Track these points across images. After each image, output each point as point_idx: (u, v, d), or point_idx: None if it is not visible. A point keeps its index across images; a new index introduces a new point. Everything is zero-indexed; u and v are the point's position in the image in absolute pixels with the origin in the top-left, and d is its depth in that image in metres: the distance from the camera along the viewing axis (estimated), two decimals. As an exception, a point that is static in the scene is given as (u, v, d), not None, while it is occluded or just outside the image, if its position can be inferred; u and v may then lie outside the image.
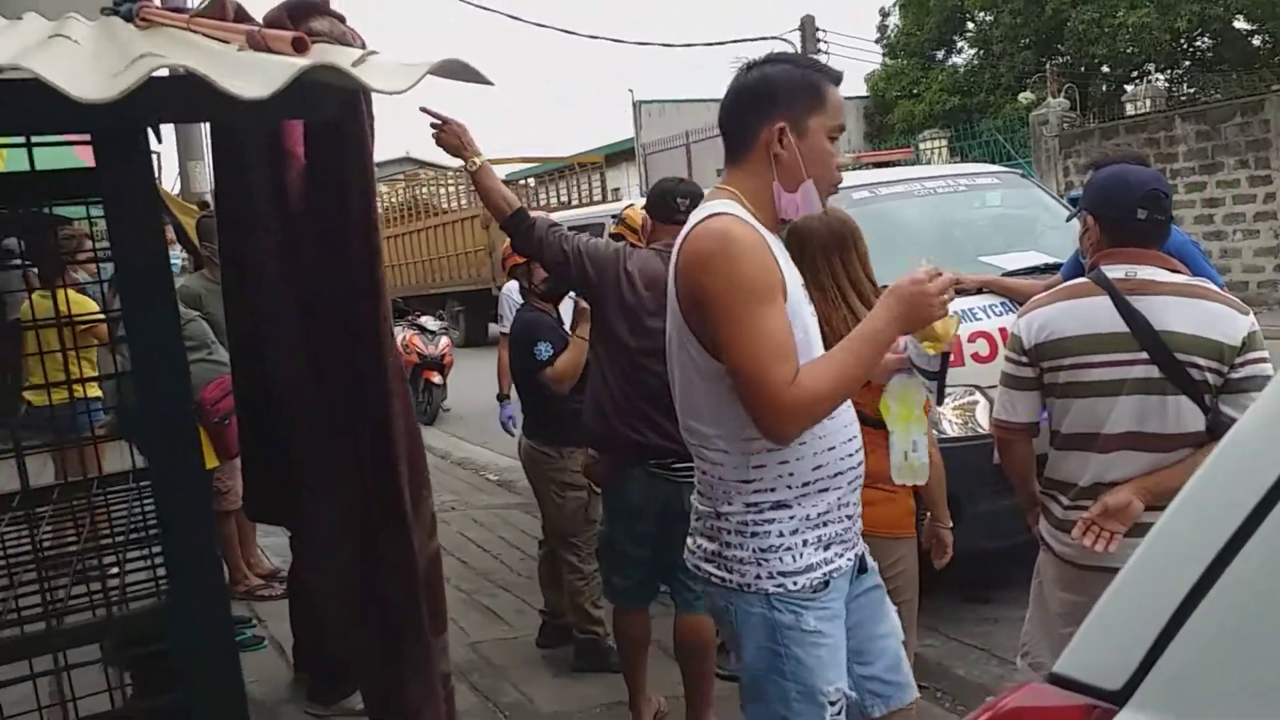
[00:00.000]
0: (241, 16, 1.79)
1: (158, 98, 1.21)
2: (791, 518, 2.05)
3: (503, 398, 5.59)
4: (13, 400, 2.11)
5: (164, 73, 1.27)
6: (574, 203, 19.49)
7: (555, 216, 8.21)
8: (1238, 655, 0.96)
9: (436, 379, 10.87)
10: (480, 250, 17.23)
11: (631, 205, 4.95)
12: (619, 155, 30.17)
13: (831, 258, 2.89)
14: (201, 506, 1.76)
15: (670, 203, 3.46)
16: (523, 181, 22.25)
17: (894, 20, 25.56)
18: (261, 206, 2.03)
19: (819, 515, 2.08)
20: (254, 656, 4.38)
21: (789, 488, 2.05)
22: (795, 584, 2.05)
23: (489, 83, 1.35)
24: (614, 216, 6.17)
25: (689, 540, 2.26)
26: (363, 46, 1.58)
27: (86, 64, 1.33)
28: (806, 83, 2.06)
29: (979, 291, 4.75)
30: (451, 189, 20.49)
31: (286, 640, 4.30)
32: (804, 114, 2.04)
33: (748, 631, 2.10)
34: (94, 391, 4.77)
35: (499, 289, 18.76)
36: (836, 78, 2.14)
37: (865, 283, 2.91)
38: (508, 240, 4.64)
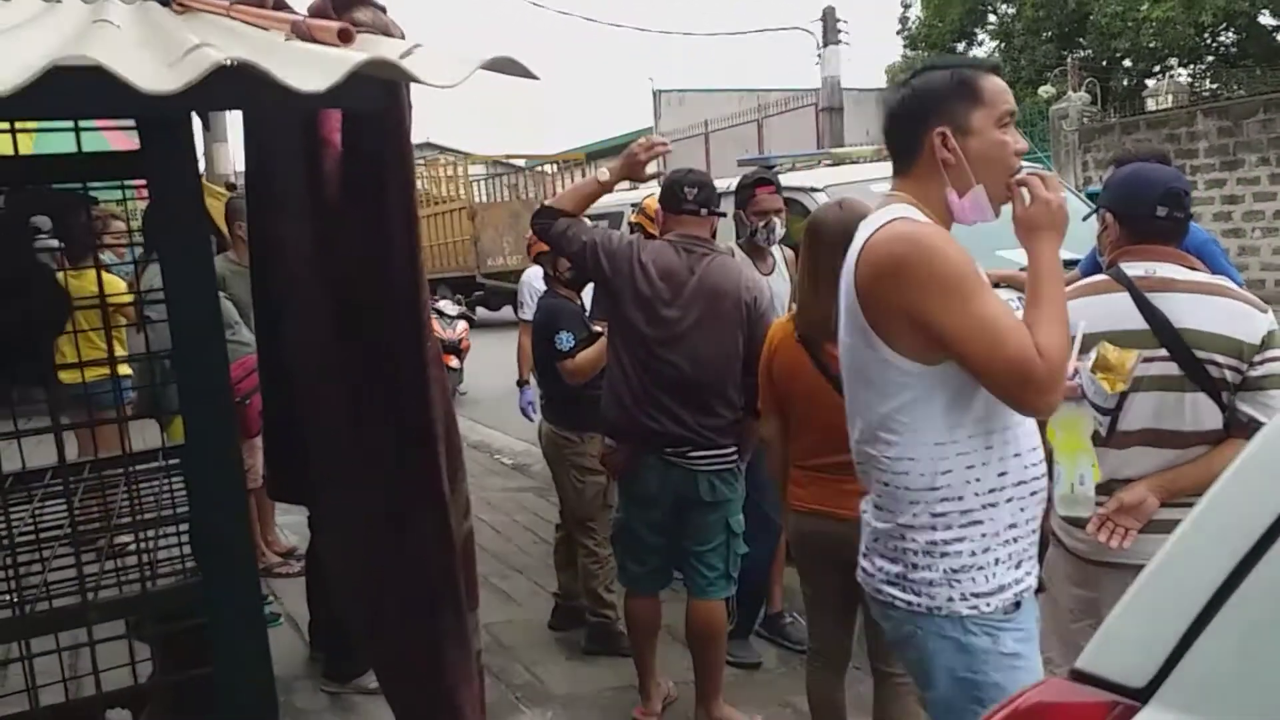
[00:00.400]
0: (281, 4, 1.81)
1: (211, 87, 1.23)
2: (982, 535, 1.99)
3: (523, 383, 5.63)
4: (49, 375, 2.16)
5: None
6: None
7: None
8: (1263, 655, 0.95)
9: (453, 363, 10.91)
10: (466, 240, 18.15)
11: (650, 194, 4.99)
12: (637, 143, 30.13)
13: (838, 252, 2.88)
14: (235, 483, 1.80)
15: (679, 193, 3.51)
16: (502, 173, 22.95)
17: (915, 12, 25.43)
18: (295, 191, 2.06)
19: (1007, 529, 2.01)
20: (270, 633, 4.42)
21: (975, 494, 1.99)
22: (989, 605, 1.99)
23: (535, 77, 1.38)
24: (634, 205, 6.20)
25: (865, 561, 2.16)
26: (402, 37, 1.61)
27: (138, 53, 1.36)
28: (957, 81, 2.03)
29: (997, 286, 4.74)
30: (441, 179, 21.39)
31: (302, 618, 4.36)
32: (963, 113, 2.01)
33: (939, 658, 2.02)
34: (124, 370, 4.83)
35: (483, 276, 19.03)
36: (990, 66, 2.13)
37: None
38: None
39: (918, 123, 2.05)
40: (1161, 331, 2.48)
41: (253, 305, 3.32)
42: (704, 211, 3.51)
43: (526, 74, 1.36)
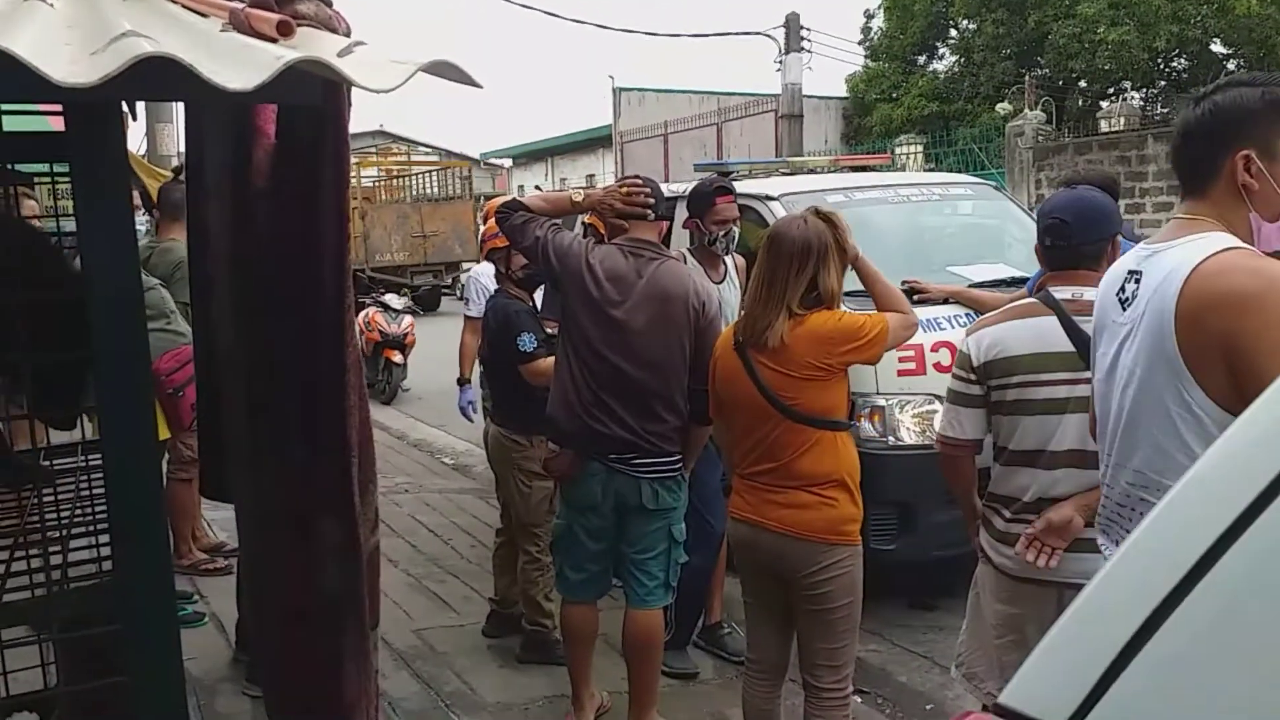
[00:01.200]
0: None
1: (135, 78, 1.17)
2: None
3: (463, 381, 5.51)
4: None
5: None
6: (446, 196, 21.90)
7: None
8: (1184, 693, 0.95)
9: (397, 358, 10.77)
10: (356, 236, 18.82)
11: None
12: (596, 142, 30.11)
13: (794, 264, 2.87)
14: (151, 482, 1.72)
15: None
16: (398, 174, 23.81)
17: (878, 23, 25.63)
18: (226, 181, 1.98)
19: None
20: (193, 633, 4.31)
21: None
22: None
23: (477, 85, 1.32)
24: None
25: None
26: (347, 30, 1.55)
27: (63, 35, 1.29)
28: (1268, 102, 1.90)
29: (945, 301, 4.77)
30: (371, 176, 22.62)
31: (228, 617, 4.24)
32: (1272, 135, 1.89)
33: None
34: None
35: (371, 271, 19.97)
36: None
37: (828, 292, 2.88)
38: (489, 222, 4.63)
39: (1219, 144, 1.93)
40: (1087, 354, 2.51)
41: (190, 294, 3.22)
42: (651, 215, 3.48)
43: (468, 81, 1.30)
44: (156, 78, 1.24)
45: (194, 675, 3.92)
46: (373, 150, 35.22)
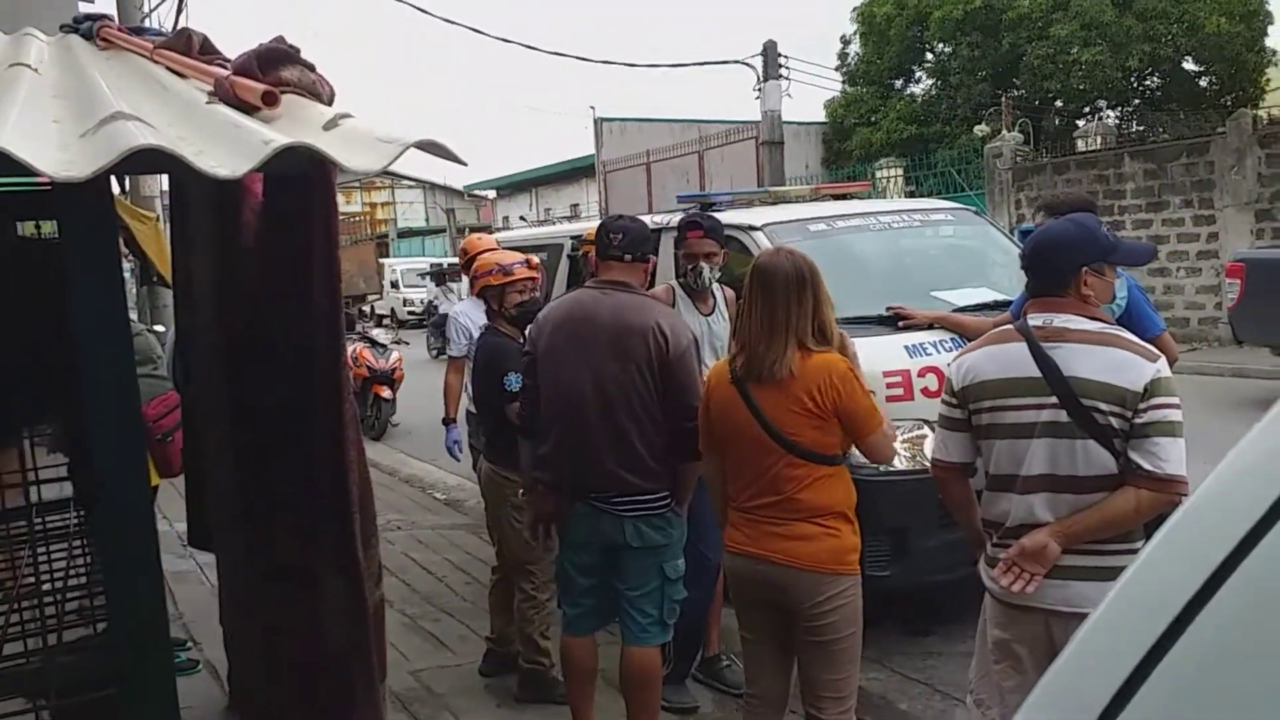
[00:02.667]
0: (207, 49, 1.75)
1: (124, 160, 1.17)
2: None
3: (449, 421, 5.50)
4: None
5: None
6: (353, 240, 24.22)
7: (515, 236, 8.18)
8: None
9: (386, 393, 10.74)
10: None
11: (591, 226, 5.01)
12: (579, 172, 30.25)
13: (791, 295, 2.89)
14: (146, 544, 1.71)
15: (604, 239, 3.54)
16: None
17: (854, 48, 25.87)
18: (215, 237, 1.99)
19: None
20: (188, 681, 4.26)
21: None
22: None
23: (462, 162, 1.33)
24: (574, 237, 6.17)
25: None
26: (331, 95, 1.55)
27: (50, 108, 1.29)
28: None
29: (930, 327, 4.80)
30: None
31: (222, 664, 4.19)
32: None
33: None
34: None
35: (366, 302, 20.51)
36: None
37: (827, 321, 2.92)
38: (481, 256, 4.63)
39: None
40: (1051, 379, 2.57)
41: (175, 341, 3.21)
42: (628, 258, 3.50)
43: (454, 158, 1.31)
44: (144, 157, 1.25)
45: (189, 725, 3.89)
46: (356, 184, 35.38)
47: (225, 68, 1.73)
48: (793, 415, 2.83)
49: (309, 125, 1.29)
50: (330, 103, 1.55)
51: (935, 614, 4.67)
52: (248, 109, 1.34)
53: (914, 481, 4.29)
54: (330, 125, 1.27)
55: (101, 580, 1.83)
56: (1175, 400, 2.52)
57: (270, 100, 1.29)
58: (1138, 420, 2.48)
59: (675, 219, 5.80)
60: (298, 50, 1.54)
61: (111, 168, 1.13)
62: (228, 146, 1.20)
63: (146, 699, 1.62)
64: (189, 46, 1.67)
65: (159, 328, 7.56)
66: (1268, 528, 0.89)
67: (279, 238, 1.69)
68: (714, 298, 4.38)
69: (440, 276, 22.25)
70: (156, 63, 1.69)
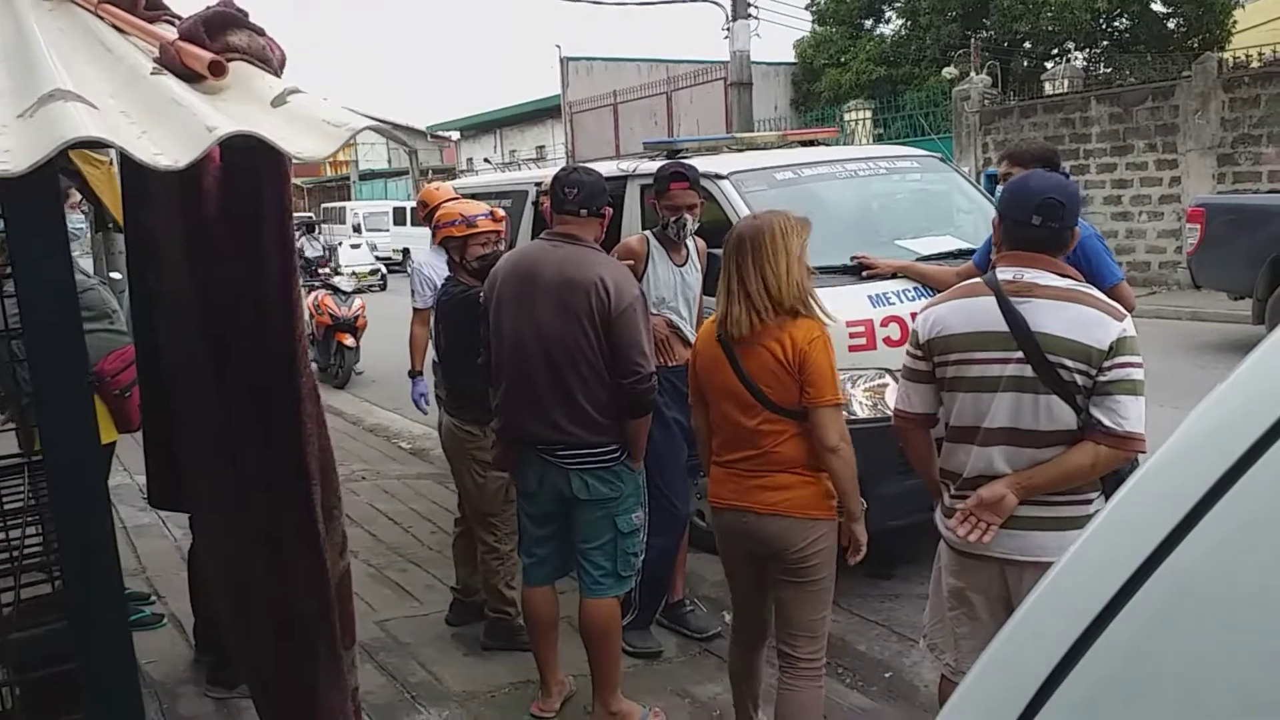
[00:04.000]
0: (154, 4, 1.69)
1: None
2: None
3: (415, 373, 5.47)
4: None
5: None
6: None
7: (478, 182, 8.07)
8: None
9: (349, 341, 10.65)
10: None
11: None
12: (545, 113, 29.83)
13: (761, 256, 2.92)
14: (97, 502, 1.70)
15: (560, 192, 3.52)
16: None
17: (824, -14, 25.58)
18: (168, 199, 1.94)
19: None
20: (152, 636, 4.28)
21: None
22: None
23: (411, 146, 1.30)
24: (537, 184, 6.08)
25: None
26: (281, 59, 1.51)
27: None
28: None
29: (893, 276, 4.81)
30: None
31: (187, 618, 4.20)
32: None
33: None
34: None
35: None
36: None
37: (773, 279, 2.91)
38: (444, 206, 4.56)
39: None
40: (1019, 334, 2.58)
41: (130, 298, 3.16)
42: (583, 212, 3.48)
43: (402, 142, 1.29)
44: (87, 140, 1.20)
45: (155, 679, 3.90)
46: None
47: (173, 23, 1.68)
48: (770, 374, 2.91)
49: (256, 101, 1.25)
50: (281, 68, 1.51)
51: (894, 558, 4.76)
52: (194, 78, 1.30)
53: (874, 429, 4.33)
54: (278, 101, 1.23)
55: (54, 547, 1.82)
56: (1138, 359, 2.55)
57: (217, 70, 1.26)
58: (1101, 378, 2.51)
59: (642, 166, 5.76)
60: (246, 14, 1.49)
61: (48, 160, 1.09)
62: (171, 129, 1.16)
63: (105, 670, 1.62)
64: (134, 4, 1.61)
65: (115, 275, 7.41)
66: (1230, 483, 0.90)
67: (231, 206, 1.66)
68: (687, 249, 4.36)
69: (310, 226, 22.11)
70: (101, 18, 1.63)
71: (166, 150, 1.13)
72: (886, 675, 4.00)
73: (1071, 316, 2.55)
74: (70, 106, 1.13)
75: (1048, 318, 2.56)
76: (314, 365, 11.18)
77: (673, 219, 4.19)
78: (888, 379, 4.56)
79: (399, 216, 27.75)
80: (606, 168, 5.69)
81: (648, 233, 4.30)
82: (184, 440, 2.22)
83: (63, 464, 1.60)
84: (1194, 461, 0.94)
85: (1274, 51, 14.27)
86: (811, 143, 6.28)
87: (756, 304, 2.91)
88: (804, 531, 2.96)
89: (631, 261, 4.06)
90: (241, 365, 1.78)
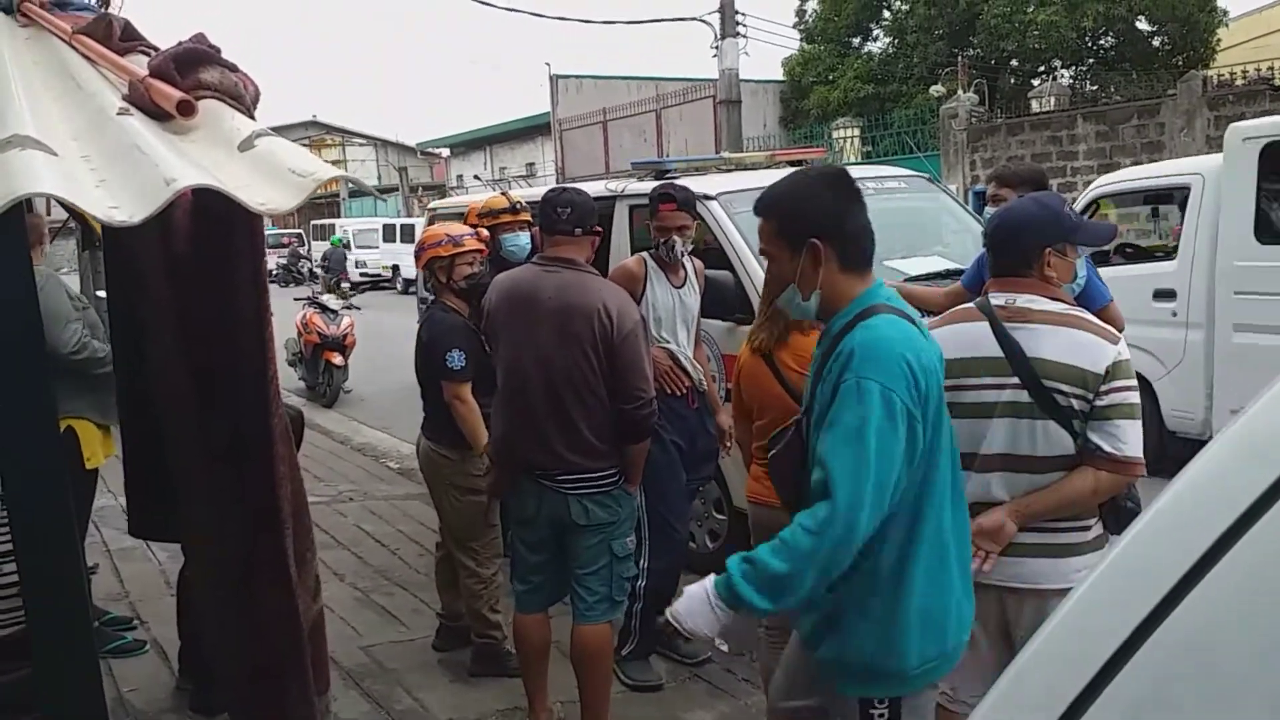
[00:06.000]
0: (130, 34, 1.66)
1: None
2: None
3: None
4: None
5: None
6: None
7: (457, 202, 8.04)
8: None
9: (337, 360, 10.59)
10: None
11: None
12: (535, 129, 29.89)
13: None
14: (65, 534, 1.66)
15: (552, 213, 3.46)
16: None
17: (812, 5, 25.70)
18: (146, 240, 1.91)
19: None
20: (134, 662, 4.21)
21: None
22: None
23: (378, 195, 1.28)
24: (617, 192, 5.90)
25: None
26: (255, 95, 1.48)
27: None
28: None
29: (882, 297, 4.80)
30: None
31: (170, 644, 4.14)
32: None
33: None
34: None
35: None
36: None
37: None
38: (429, 229, 4.55)
39: None
40: (1014, 360, 2.56)
41: (109, 318, 3.12)
42: (578, 231, 3.45)
43: (368, 190, 1.27)
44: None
45: (136, 707, 3.84)
46: (305, 141, 34.58)
47: (148, 54, 1.65)
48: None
49: (223, 144, 1.23)
50: (255, 103, 1.48)
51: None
52: (163, 116, 1.27)
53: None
54: (245, 145, 1.21)
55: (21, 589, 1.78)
56: (1134, 382, 2.54)
57: (186, 110, 1.23)
58: (1099, 402, 2.49)
59: (630, 186, 5.74)
60: (218, 50, 1.46)
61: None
62: (130, 178, 1.14)
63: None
64: (109, 33, 1.58)
65: (101, 294, 7.37)
66: (1257, 516, 0.88)
67: (203, 243, 1.63)
68: (685, 270, 4.32)
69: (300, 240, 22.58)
70: (74, 48, 1.60)
71: (122, 204, 1.10)
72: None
73: (1066, 341, 2.53)
74: (27, 155, 1.11)
75: (1043, 343, 2.54)
76: (301, 383, 11.21)
77: (662, 240, 4.17)
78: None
79: (389, 233, 27.74)
80: (595, 188, 5.67)
81: (645, 254, 4.26)
82: (171, 468, 2.18)
83: (26, 502, 1.56)
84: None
85: (1258, 69, 14.39)
86: (800, 163, 6.27)
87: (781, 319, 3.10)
88: None
89: (628, 284, 4.04)
90: (214, 403, 1.75)
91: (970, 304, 2.79)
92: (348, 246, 28.66)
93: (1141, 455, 2.50)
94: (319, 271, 23.73)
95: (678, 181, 4.79)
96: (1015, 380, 2.55)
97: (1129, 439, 2.49)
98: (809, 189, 2.27)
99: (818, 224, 2.17)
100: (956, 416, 2.66)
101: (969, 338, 2.64)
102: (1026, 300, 2.61)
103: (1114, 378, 2.50)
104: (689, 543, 4.45)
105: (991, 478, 2.61)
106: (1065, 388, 2.51)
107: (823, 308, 2.22)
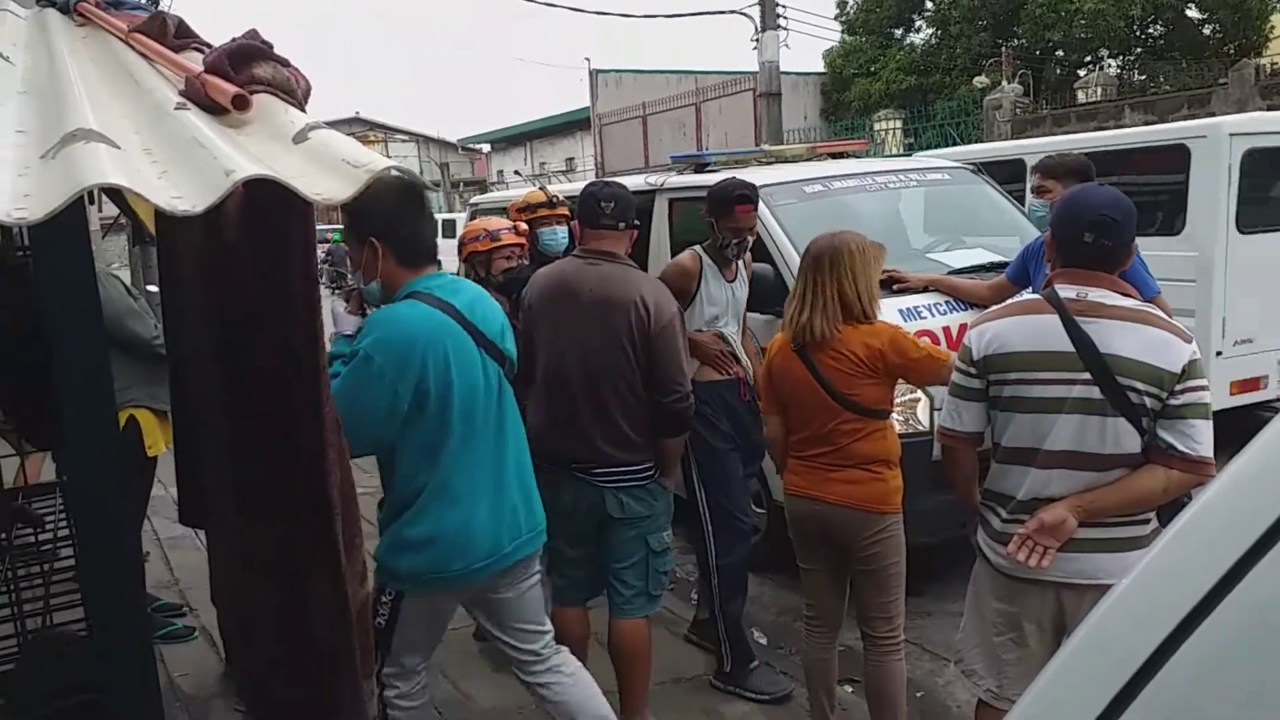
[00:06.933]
0: (184, 32, 1.71)
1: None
2: None
3: None
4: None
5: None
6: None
7: (494, 197, 8.08)
8: None
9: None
10: None
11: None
12: (574, 124, 29.96)
13: (840, 267, 3.17)
14: (116, 534, 1.71)
15: (595, 207, 3.47)
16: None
17: (854, -4, 25.54)
18: (195, 230, 1.95)
19: None
20: (184, 648, 4.31)
21: None
22: None
23: (429, 187, 1.31)
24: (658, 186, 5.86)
25: None
26: (306, 90, 1.51)
27: (15, 114, 1.25)
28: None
29: (925, 289, 4.78)
30: None
31: (218, 630, 4.22)
32: None
33: None
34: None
35: None
36: None
37: (862, 294, 3.17)
38: (468, 224, 4.59)
39: None
40: (1087, 355, 2.50)
41: (162, 313, 3.19)
42: (621, 225, 3.47)
43: (421, 184, 1.29)
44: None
45: (186, 692, 3.93)
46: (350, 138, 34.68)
47: (201, 51, 1.69)
48: (847, 376, 3.14)
49: (278, 137, 1.26)
50: (306, 98, 1.51)
51: (926, 575, 4.70)
52: (218, 111, 1.30)
53: (906, 445, 4.29)
54: (300, 138, 1.24)
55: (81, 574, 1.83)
56: (1206, 381, 2.49)
57: (241, 104, 1.26)
58: (1173, 401, 2.45)
59: (670, 179, 5.75)
60: (271, 46, 1.50)
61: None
62: (190, 170, 1.17)
63: (130, 701, 1.63)
64: (163, 31, 1.63)
65: (151, 288, 7.53)
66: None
67: (255, 235, 1.66)
68: (736, 265, 4.29)
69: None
70: (131, 46, 1.65)
71: (185, 194, 1.13)
72: (919, 695, 3.95)
73: (1142, 338, 2.48)
74: (91, 148, 1.14)
75: (1117, 339, 2.48)
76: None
77: (735, 240, 4.07)
78: (919, 394, 4.52)
79: (430, 228, 27.93)
80: (635, 181, 5.68)
81: (698, 249, 4.18)
82: (208, 461, 2.23)
83: (86, 489, 1.61)
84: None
85: (1313, 58, 14.06)
86: (841, 155, 6.25)
87: (830, 314, 3.14)
88: (872, 523, 3.18)
89: (684, 280, 4.02)
90: (265, 393, 1.78)
91: (1035, 295, 2.72)
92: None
93: (1213, 456, 2.45)
94: (324, 267, 24.47)
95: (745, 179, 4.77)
96: (1086, 376, 2.50)
97: (1203, 439, 2.45)
98: (375, 196, 2.35)
99: (376, 227, 2.62)
100: (1021, 411, 2.62)
101: (1039, 330, 2.58)
102: (1099, 295, 2.55)
103: (1189, 376, 2.45)
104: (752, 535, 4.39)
105: (1052, 474, 2.57)
106: (1140, 385, 2.45)
107: (384, 293, 2.71)
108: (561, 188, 6.13)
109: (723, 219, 4.07)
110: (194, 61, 1.47)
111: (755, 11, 18.58)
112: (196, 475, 2.72)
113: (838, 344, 3.15)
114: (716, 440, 4.01)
